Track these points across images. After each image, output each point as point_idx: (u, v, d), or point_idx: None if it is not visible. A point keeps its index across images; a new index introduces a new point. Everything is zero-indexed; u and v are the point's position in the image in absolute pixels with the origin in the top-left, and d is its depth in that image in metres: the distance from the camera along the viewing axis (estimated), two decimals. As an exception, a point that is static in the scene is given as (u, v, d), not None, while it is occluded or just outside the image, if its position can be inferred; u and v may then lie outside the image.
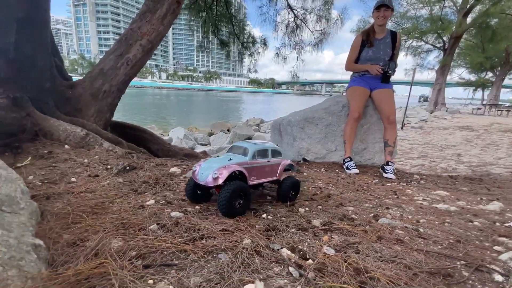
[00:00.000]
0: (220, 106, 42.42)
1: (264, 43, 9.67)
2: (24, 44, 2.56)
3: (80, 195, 1.50)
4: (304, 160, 3.66)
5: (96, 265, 0.75)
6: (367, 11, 19.02)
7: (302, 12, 7.75)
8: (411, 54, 24.93)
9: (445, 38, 22.04)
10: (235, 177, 1.47)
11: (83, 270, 0.72)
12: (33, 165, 2.04)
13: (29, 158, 2.09)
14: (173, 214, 1.33)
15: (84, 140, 2.48)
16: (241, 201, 1.40)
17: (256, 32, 11.11)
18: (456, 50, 22.42)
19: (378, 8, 3.26)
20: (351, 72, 3.76)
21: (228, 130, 14.79)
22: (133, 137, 3.95)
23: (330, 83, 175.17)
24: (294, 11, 7.72)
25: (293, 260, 0.90)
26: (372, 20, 3.51)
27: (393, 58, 3.44)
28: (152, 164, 2.43)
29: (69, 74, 3.51)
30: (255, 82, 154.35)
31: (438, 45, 23.40)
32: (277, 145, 3.37)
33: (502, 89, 29.19)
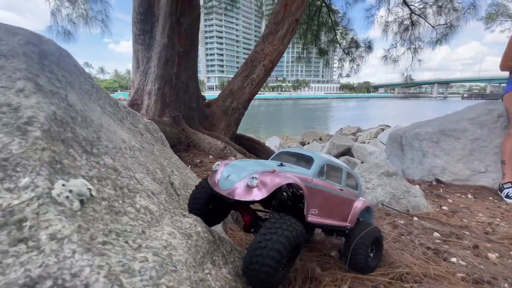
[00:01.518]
0: (308, 114, 41.89)
1: (369, 46, 9.00)
2: (182, 74, 3.25)
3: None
4: (438, 181, 3.08)
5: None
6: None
7: (421, 6, 6.75)
8: None
9: None
10: (283, 204, 0.91)
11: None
12: (191, 172, 2.50)
13: (189, 166, 2.58)
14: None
15: (223, 151, 2.90)
16: (286, 260, 0.79)
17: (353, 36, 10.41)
18: None
19: None
20: (507, 73, 2.97)
21: (320, 139, 14.39)
22: (249, 147, 4.35)
23: (445, 83, 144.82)
24: (411, 6, 6.83)
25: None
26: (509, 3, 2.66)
27: None
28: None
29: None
30: (347, 87, 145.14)
31: None
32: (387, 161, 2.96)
33: None
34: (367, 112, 43.26)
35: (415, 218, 1.55)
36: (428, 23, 6.87)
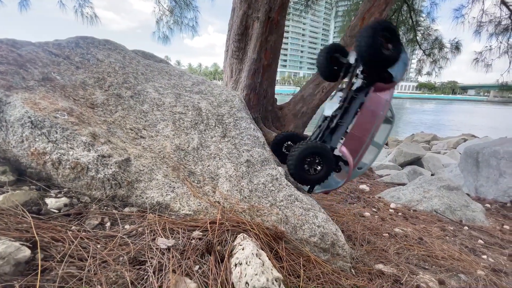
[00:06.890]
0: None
1: (456, 47, 8.19)
2: (264, 82, 3.88)
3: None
4: (515, 203, 2.96)
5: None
6: None
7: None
8: None
9: None
10: None
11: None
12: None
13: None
14: (396, 230, 1.71)
15: (294, 151, 3.44)
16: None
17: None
18: None
19: None
20: None
21: (386, 144, 13.55)
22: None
23: None
24: (510, 6, 6.02)
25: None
26: None
27: None
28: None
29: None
30: (426, 87, 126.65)
31: None
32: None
33: None
34: (449, 117, 37.59)
35: (466, 228, 1.78)
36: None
